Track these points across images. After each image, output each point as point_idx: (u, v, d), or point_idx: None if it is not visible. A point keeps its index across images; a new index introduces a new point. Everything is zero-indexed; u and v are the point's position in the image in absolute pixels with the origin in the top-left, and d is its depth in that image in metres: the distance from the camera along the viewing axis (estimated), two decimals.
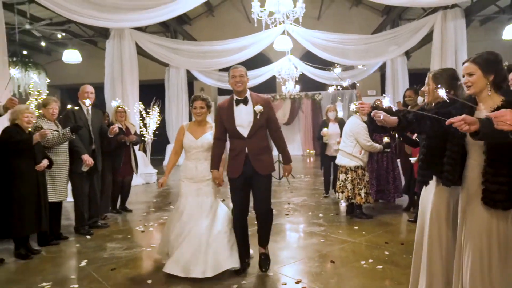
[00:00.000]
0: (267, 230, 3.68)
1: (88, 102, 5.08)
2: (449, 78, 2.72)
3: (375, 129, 3.14)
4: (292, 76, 12.15)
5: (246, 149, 3.48)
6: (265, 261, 3.66)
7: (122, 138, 5.87)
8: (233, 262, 3.53)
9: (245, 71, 3.52)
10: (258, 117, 3.45)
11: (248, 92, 3.55)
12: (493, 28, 14.00)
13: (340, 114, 7.80)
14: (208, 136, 3.80)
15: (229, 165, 3.59)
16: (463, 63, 2.38)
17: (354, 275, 3.56)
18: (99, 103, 7.86)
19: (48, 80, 10.74)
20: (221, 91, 16.60)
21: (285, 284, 3.37)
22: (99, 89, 7.32)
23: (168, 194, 8.12)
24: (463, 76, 2.38)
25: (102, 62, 13.76)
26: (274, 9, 6.34)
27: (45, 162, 4.36)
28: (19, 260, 4.17)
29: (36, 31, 11.72)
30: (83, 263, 4.04)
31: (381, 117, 2.44)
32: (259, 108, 3.43)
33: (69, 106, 5.02)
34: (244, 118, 3.46)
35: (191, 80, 14.70)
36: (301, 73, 12.43)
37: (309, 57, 12.66)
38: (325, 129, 6.92)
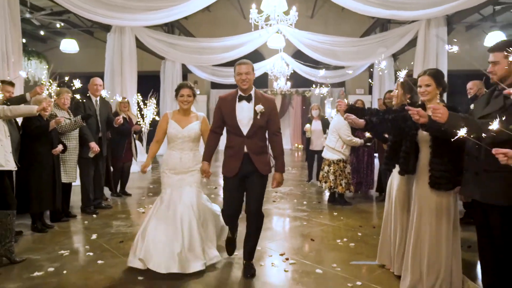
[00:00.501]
0: (254, 241, 3.51)
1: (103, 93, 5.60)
2: (411, 86, 3.31)
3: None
4: (284, 74, 12.70)
5: (245, 148, 3.35)
6: (248, 269, 3.48)
7: (136, 128, 6.50)
8: (198, 266, 3.46)
9: (251, 67, 3.36)
10: (258, 117, 3.31)
11: (254, 89, 3.39)
12: (477, 34, 14.62)
13: (329, 111, 8.51)
14: (195, 126, 3.73)
15: (225, 163, 3.44)
16: (419, 76, 2.97)
17: (330, 250, 4.17)
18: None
19: (46, 68, 11.14)
20: (214, 85, 17.07)
21: (271, 256, 3.96)
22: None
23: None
24: (420, 86, 2.97)
25: (97, 52, 14.18)
26: (269, 10, 6.88)
27: (60, 147, 4.86)
28: (35, 233, 4.69)
29: (35, 20, 12.05)
30: (94, 236, 4.58)
31: (351, 120, 3.01)
32: (259, 108, 3.30)
33: (77, 96, 5.50)
34: (245, 115, 3.32)
35: (185, 73, 15.14)
36: (293, 71, 12.97)
37: (301, 55, 13.21)
38: (307, 125, 7.71)
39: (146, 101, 10.85)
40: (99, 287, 3.24)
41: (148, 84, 12.20)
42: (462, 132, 2.01)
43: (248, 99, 3.35)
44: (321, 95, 10.83)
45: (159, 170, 10.43)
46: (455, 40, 1.97)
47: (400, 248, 3.26)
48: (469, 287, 3.01)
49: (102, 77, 9.68)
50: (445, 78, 3.01)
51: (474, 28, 14.67)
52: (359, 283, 3.29)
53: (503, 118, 2.08)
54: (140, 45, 11.04)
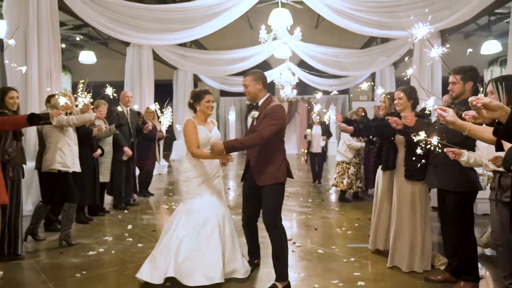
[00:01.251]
0: (275, 258, 3.32)
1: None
2: (393, 99, 4.09)
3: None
4: (290, 83, 13.52)
5: (247, 155, 3.47)
6: None
7: (160, 135, 7.34)
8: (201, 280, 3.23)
9: (249, 79, 3.37)
10: (254, 123, 3.34)
11: (265, 98, 3.38)
12: (475, 42, 15.27)
13: (333, 118, 9.31)
14: (217, 130, 3.69)
15: None
16: (396, 91, 3.77)
17: (330, 237, 4.96)
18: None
19: (69, 78, 12.03)
20: (223, 93, 17.93)
21: None
22: (114, 87, 8.59)
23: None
24: (395, 99, 3.77)
25: (112, 62, 15.12)
26: (277, 28, 7.71)
27: (99, 151, 5.69)
28: (79, 224, 5.51)
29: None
30: (129, 226, 5.39)
31: (342, 127, 3.80)
32: (253, 114, 3.33)
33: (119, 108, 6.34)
34: (249, 124, 3.43)
35: (195, 81, 16.04)
36: (298, 81, 13.77)
37: (306, 64, 14.06)
38: (308, 130, 8.60)
39: (162, 110, 11.68)
40: (142, 262, 4.02)
41: (162, 92, 13.06)
42: (422, 135, 2.78)
43: (256, 107, 3.40)
44: (316, 108, 11.64)
45: (173, 174, 11.26)
46: (445, 48, 2.40)
47: (382, 228, 4.07)
48: (439, 260, 3.77)
49: (118, 86, 10.63)
50: (417, 93, 3.80)
51: (473, 36, 15.36)
52: (352, 259, 4.07)
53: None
54: (155, 56, 11.91)
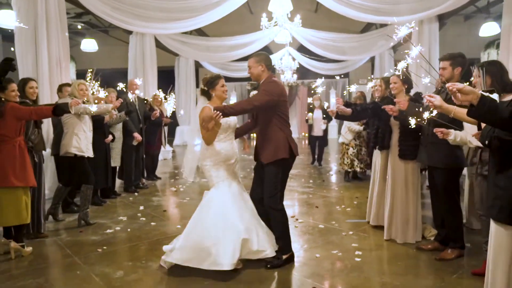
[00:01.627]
0: (278, 234, 3.49)
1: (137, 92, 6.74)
2: (388, 83, 4.36)
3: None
4: (290, 68, 13.72)
5: (256, 132, 3.70)
6: (272, 260, 3.44)
7: (166, 121, 7.63)
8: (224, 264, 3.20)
9: (253, 61, 3.54)
10: None
11: (265, 78, 3.53)
12: (475, 23, 15.31)
13: (333, 101, 9.58)
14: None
15: None
16: (391, 76, 4.05)
17: (330, 212, 5.30)
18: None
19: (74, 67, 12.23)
20: (225, 79, 18.11)
21: None
22: (117, 74, 8.86)
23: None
24: (390, 83, 4.05)
25: (113, 49, 15.33)
26: (275, 9, 7.89)
27: (110, 137, 5.98)
28: (93, 206, 5.81)
29: None
30: (141, 207, 5.72)
31: (341, 110, 4.08)
32: (252, 93, 3.89)
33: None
34: None
35: (196, 68, 16.24)
36: (298, 66, 13.96)
37: (305, 48, 14.23)
38: (309, 114, 8.82)
39: (166, 96, 11.95)
40: (157, 238, 4.37)
41: (164, 79, 13.27)
42: (413, 121, 3.04)
43: (257, 88, 3.60)
44: (315, 89, 11.90)
45: (177, 158, 11.57)
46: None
47: (378, 204, 4.38)
48: (430, 231, 4.11)
49: (121, 73, 10.87)
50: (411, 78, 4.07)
51: (473, 18, 15.44)
52: (351, 232, 4.41)
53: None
54: (157, 43, 12.09)
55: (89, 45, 14.78)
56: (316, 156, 9.49)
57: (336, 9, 7.45)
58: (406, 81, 3.99)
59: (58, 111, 3.87)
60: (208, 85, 3.62)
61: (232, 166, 3.61)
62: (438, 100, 2.52)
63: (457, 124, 3.22)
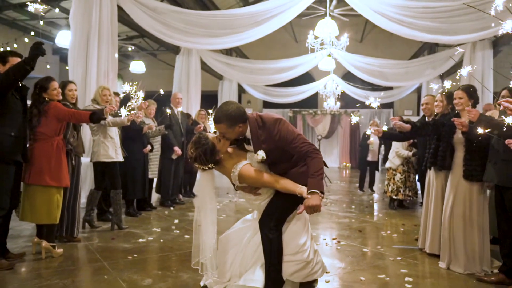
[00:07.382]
0: (265, 264, 2.90)
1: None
2: (451, 98, 4.02)
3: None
4: (334, 93, 13.49)
5: None
6: None
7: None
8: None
9: (224, 127, 2.75)
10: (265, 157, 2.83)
11: (249, 130, 2.85)
12: None
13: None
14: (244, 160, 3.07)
15: None
16: (455, 91, 3.73)
17: (375, 238, 4.88)
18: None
19: (122, 84, 12.67)
20: (266, 104, 18.12)
21: (325, 239, 4.72)
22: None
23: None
24: (455, 99, 3.72)
25: (160, 73, 15.74)
26: (323, 36, 7.78)
27: (149, 147, 5.94)
28: (128, 216, 5.73)
29: None
30: (176, 221, 5.55)
31: (399, 125, 3.80)
32: (257, 156, 2.83)
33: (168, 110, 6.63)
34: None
35: (239, 92, 16.36)
36: (342, 91, 13.70)
37: (350, 77, 14.00)
38: (372, 138, 8.70)
39: (210, 112, 12.04)
40: (190, 250, 4.12)
41: (207, 102, 13.39)
42: (485, 131, 2.72)
43: (246, 141, 2.97)
44: (353, 123, 11.45)
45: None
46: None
47: (435, 230, 3.94)
48: (493, 262, 3.62)
49: (166, 95, 11.05)
50: (478, 92, 3.74)
51: None
52: (399, 258, 4.00)
53: None
54: (202, 66, 12.30)
55: (137, 66, 15.29)
56: (367, 182, 9.34)
57: (390, 29, 7.23)
58: (473, 95, 3.65)
59: (95, 117, 3.87)
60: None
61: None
62: None
63: None
